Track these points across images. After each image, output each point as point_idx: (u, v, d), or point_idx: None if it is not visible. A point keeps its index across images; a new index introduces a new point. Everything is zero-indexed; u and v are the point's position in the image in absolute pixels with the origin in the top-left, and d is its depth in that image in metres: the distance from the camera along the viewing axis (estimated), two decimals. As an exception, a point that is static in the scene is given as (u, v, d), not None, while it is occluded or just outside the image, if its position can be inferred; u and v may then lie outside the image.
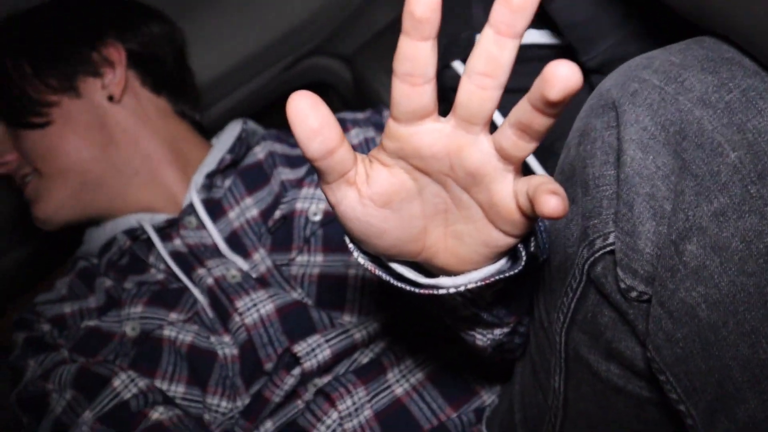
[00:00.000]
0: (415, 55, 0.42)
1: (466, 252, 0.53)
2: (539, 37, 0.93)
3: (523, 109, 0.42)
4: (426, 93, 0.44)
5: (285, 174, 1.04)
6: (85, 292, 1.04)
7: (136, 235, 1.03)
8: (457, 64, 0.98)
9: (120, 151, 1.04)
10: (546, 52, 0.93)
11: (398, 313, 0.95)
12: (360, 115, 1.10)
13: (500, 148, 0.46)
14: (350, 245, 0.56)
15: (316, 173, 1.01)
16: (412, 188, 0.51)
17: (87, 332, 0.97)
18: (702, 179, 0.48)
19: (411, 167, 0.49)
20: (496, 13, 0.40)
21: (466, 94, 0.44)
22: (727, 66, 0.49)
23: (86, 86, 1.03)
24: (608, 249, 0.55)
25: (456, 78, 0.99)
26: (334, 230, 0.98)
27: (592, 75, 0.83)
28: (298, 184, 1.02)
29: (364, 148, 1.05)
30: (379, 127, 1.08)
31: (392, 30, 1.70)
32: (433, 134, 0.47)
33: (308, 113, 0.43)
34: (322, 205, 0.98)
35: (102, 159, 1.03)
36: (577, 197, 0.58)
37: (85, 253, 1.11)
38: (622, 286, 0.54)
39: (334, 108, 2.60)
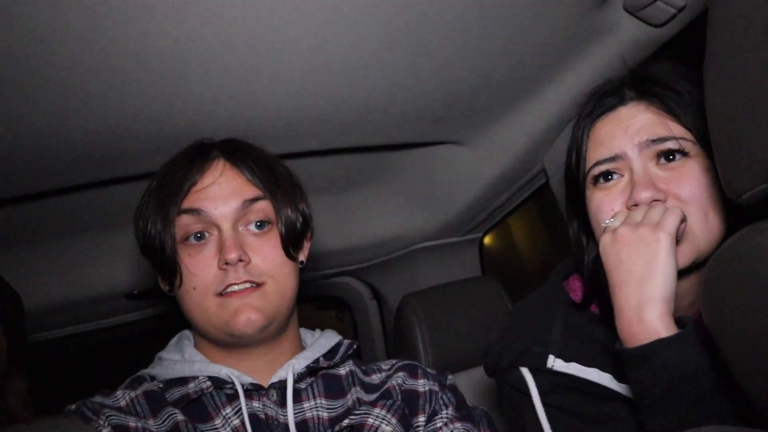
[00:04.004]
0: None
1: None
2: (605, 380, 1.05)
3: None
4: None
5: (360, 394, 1.18)
6: (146, 413, 1.07)
7: (219, 385, 1.10)
8: (524, 371, 1.11)
9: (294, 306, 1.21)
10: (606, 392, 1.05)
11: None
12: (429, 370, 1.27)
13: None
14: None
15: (388, 400, 1.17)
16: None
17: None
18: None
19: None
20: None
21: None
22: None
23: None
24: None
25: (520, 380, 1.11)
26: None
27: None
28: (372, 403, 1.15)
29: (427, 397, 1.19)
30: (443, 385, 1.23)
31: (442, 290, 1.92)
32: None
33: None
34: (390, 428, 1.10)
35: (292, 303, 1.18)
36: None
37: (148, 375, 1.16)
38: None
39: (344, 327, 2.73)
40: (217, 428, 1.06)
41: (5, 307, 1.28)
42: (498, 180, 1.73)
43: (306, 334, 1.29)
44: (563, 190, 1.16)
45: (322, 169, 1.79)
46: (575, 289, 1.18)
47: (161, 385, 1.13)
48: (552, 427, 1.05)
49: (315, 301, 2.63)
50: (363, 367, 1.26)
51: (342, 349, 1.23)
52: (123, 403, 1.09)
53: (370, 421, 1.11)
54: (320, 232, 2.01)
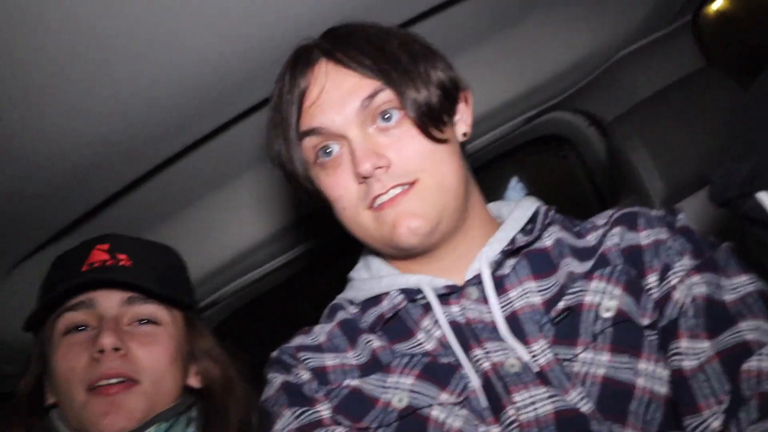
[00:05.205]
0: None
1: None
2: None
3: None
4: None
5: (572, 266, 1.00)
6: (344, 345, 1.04)
7: (412, 296, 1.02)
8: (762, 195, 0.84)
9: (469, 187, 1.05)
10: None
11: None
12: (654, 213, 1.04)
13: None
14: None
15: (606, 267, 0.97)
16: None
17: (350, 393, 0.96)
18: None
19: None
20: None
21: None
22: None
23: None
24: None
25: (759, 210, 0.85)
26: (626, 331, 0.92)
27: None
28: (587, 276, 0.98)
29: (653, 250, 0.98)
30: (672, 229, 1.00)
31: (654, 102, 1.63)
32: None
33: None
34: (615, 302, 0.93)
35: (462, 189, 1.03)
36: None
37: (345, 300, 1.12)
38: None
39: (570, 164, 2.54)
40: (421, 344, 0.99)
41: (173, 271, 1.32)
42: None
43: (501, 208, 1.13)
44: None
45: (476, 9, 1.55)
46: None
47: (359, 308, 1.08)
48: None
49: (530, 146, 2.44)
50: (576, 228, 1.07)
51: (540, 218, 1.05)
52: (322, 338, 1.06)
53: (588, 299, 0.94)
54: (505, 76, 1.78)
